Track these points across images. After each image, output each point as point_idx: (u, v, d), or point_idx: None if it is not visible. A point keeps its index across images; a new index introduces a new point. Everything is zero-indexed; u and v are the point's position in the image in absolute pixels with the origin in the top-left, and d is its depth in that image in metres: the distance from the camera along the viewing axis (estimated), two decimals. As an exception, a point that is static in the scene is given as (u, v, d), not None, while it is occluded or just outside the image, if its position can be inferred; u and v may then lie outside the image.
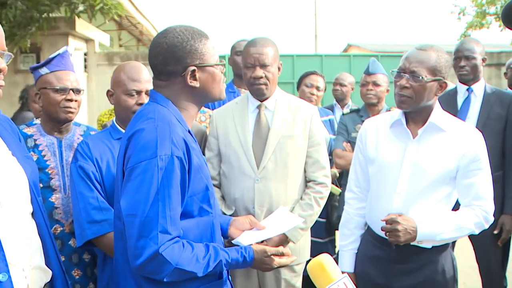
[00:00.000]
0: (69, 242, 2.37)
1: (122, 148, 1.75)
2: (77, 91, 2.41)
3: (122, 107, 2.35)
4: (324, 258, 1.91)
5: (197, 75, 1.76)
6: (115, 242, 1.79)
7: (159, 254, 1.59)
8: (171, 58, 1.73)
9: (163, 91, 1.79)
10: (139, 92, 2.33)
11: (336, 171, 3.95)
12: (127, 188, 1.64)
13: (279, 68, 2.69)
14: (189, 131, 1.79)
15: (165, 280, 1.64)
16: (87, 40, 11.10)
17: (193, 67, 1.75)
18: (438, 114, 2.24)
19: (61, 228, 2.37)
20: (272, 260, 1.86)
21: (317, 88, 4.18)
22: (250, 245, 1.89)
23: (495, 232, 3.25)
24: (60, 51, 2.40)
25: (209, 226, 1.79)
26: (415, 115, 2.24)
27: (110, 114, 4.40)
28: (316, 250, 3.00)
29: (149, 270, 1.62)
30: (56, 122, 2.42)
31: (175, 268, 1.62)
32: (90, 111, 10.16)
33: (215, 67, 1.80)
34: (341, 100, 5.12)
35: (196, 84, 1.76)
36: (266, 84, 2.63)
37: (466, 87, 3.44)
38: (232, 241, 2.02)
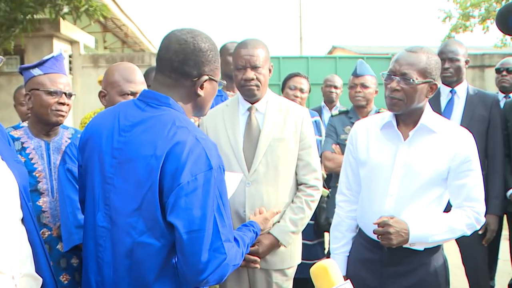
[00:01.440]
0: (57, 247, 2.35)
1: (148, 160, 1.61)
2: (69, 95, 2.39)
3: None
4: (329, 263, 1.92)
5: (205, 85, 1.76)
6: (114, 259, 1.67)
7: (224, 262, 1.63)
8: (192, 60, 1.71)
9: (169, 92, 1.74)
10: (134, 94, 2.31)
11: (323, 172, 3.95)
12: (182, 205, 1.58)
13: (270, 70, 2.67)
14: None
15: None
16: (72, 42, 11.02)
17: (207, 77, 1.75)
18: (429, 116, 2.25)
19: (49, 232, 2.34)
20: (269, 222, 2.35)
21: (301, 90, 4.13)
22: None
23: (480, 232, 3.28)
24: (55, 53, 2.38)
25: None
26: (406, 117, 2.24)
27: None
28: (305, 252, 3.00)
29: (214, 278, 1.64)
30: (45, 124, 2.39)
31: (231, 267, 1.69)
32: (75, 113, 10.05)
33: (215, 84, 1.82)
34: (332, 102, 5.14)
35: (201, 93, 1.76)
36: (257, 86, 2.61)
37: (449, 88, 3.47)
38: None
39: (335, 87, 5.10)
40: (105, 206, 1.69)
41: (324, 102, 5.25)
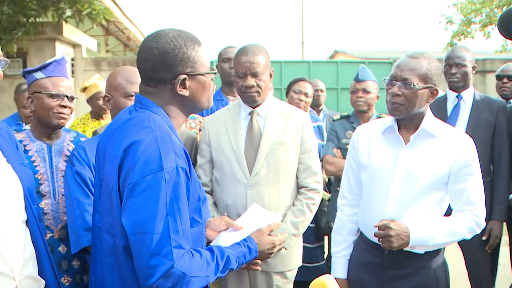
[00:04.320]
0: (59, 249, 2.35)
1: (113, 160, 1.62)
2: (71, 98, 2.41)
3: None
4: (327, 279, 1.94)
5: (187, 83, 1.68)
6: (102, 258, 1.68)
7: (173, 269, 1.52)
8: (162, 65, 1.65)
9: (152, 98, 1.71)
10: None
11: (325, 176, 3.97)
12: (131, 205, 1.54)
13: (270, 75, 2.69)
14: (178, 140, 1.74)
15: None
16: (74, 45, 11.04)
17: (184, 76, 1.67)
18: (430, 121, 2.26)
19: (51, 234, 2.35)
20: (271, 240, 1.95)
21: (306, 95, 4.24)
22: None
23: (484, 238, 3.29)
24: (57, 57, 2.40)
25: (200, 237, 1.75)
26: (407, 122, 2.26)
27: (84, 123, 4.37)
28: (305, 255, 3.01)
29: (167, 286, 1.53)
30: (47, 127, 2.40)
31: (190, 278, 1.55)
32: (76, 116, 10.09)
33: (206, 76, 1.73)
34: (318, 105, 5.20)
35: (185, 93, 1.69)
36: (258, 92, 2.63)
37: (456, 94, 3.49)
38: (211, 244, 1.96)
39: (321, 90, 5.20)
40: (100, 207, 1.71)
41: (311, 106, 5.31)
